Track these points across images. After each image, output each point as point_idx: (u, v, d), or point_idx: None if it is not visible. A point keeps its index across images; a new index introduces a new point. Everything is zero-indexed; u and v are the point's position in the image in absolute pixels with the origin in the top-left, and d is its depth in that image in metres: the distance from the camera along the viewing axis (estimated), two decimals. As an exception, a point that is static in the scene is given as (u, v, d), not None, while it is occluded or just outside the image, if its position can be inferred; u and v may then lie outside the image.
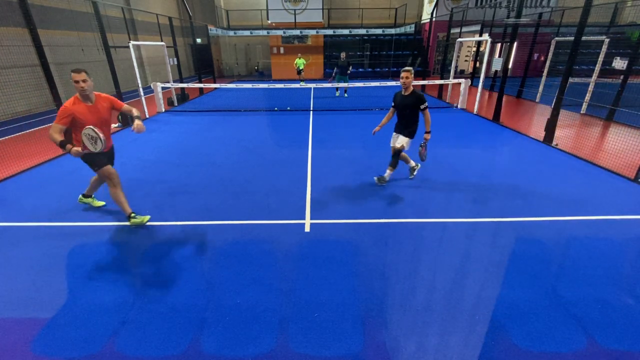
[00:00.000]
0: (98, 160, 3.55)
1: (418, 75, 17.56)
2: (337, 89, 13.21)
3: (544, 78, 11.69)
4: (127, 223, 3.79)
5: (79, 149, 3.25)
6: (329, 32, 20.23)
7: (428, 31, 18.28)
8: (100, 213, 4.07)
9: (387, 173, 4.80)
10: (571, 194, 4.51)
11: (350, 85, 11.77)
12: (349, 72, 12.35)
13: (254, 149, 6.75)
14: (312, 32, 19.87)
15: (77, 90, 3.30)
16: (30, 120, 9.38)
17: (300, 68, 15.77)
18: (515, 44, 8.85)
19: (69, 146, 3.21)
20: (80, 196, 4.21)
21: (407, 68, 4.30)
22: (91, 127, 3.21)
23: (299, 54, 16.66)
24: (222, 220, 3.92)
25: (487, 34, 10.04)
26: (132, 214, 3.77)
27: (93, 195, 4.23)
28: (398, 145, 4.60)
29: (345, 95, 13.29)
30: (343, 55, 12.28)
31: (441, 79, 13.16)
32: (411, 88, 4.40)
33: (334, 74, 12.54)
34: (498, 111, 8.82)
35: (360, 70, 21.23)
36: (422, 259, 3.16)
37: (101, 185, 4.09)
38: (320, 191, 4.66)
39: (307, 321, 2.45)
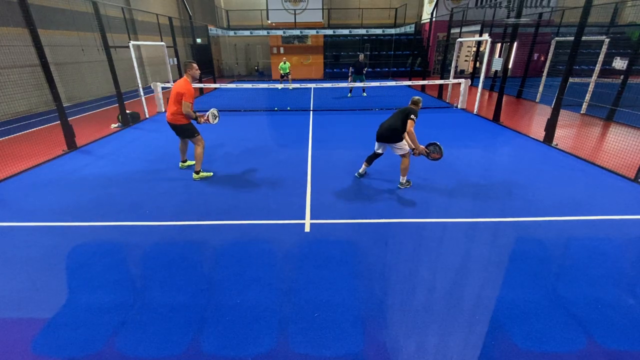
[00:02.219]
0: (197, 130, 5.01)
1: (418, 75, 17.57)
2: (350, 89, 13.36)
3: (544, 78, 11.68)
4: (194, 176, 5.05)
5: (204, 119, 4.93)
6: (329, 32, 20.23)
7: (428, 31, 18.27)
8: (100, 213, 4.08)
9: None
10: (571, 194, 4.51)
11: (367, 85, 12.18)
12: (364, 72, 12.63)
13: (254, 148, 6.75)
14: (312, 32, 19.87)
15: (195, 77, 4.75)
16: (30, 120, 9.38)
17: (287, 72, 15.50)
18: (515, 44, 8.84)
19: (200, 118, 4.88)
20: (194, 174, 5.10)
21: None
22: (215, 109, 5.11)
23: (284, 59, 16.25)
24: (222, 220, 3.92)
25: (487, 34, 10.04)
26: (199, 171, 5.05)
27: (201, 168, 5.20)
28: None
29: (364, 94, 13.58)
30: (361, 57, 12.55)
31: (441, 79, 13.16)
32: None
33: (350, 74, 12.83)
34: (498, 111, 8.81)
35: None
36: (422, 259, 3.16)
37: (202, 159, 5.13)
38: (320, 191, 4.66)
39: (307, 321, 2.45)
